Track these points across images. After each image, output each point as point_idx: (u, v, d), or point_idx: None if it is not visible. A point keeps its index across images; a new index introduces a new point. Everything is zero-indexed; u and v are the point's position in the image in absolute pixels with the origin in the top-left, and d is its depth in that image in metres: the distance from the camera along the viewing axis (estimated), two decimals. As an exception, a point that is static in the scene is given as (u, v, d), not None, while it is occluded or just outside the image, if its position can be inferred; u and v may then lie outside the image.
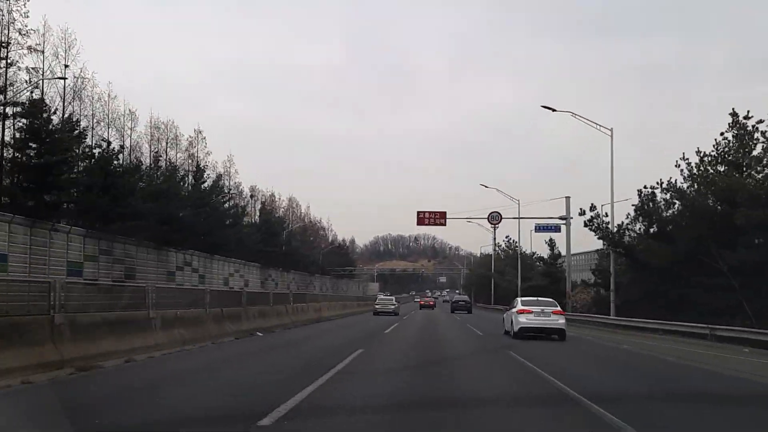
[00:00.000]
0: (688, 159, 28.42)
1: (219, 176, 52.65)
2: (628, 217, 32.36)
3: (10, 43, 28.63)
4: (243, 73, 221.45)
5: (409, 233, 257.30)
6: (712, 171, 27.73)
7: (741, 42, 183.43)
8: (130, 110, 44.00)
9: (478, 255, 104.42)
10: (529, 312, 20.60)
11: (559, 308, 21.27)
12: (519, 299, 23.11)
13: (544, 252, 56.31)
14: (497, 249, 70.64)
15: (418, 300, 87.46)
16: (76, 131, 33.44)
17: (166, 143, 49.48)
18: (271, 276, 70.16)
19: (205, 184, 51.82)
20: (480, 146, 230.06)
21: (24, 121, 29.33)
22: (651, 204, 30.76)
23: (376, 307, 41.20)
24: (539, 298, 22.66)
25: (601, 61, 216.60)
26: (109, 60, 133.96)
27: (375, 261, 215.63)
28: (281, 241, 73.32)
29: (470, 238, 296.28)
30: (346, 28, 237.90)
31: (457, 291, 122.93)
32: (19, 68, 29.45)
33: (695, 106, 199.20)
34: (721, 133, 27.38)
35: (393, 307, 41.18)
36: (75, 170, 32.31)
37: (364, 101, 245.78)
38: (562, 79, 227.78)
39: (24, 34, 29.27)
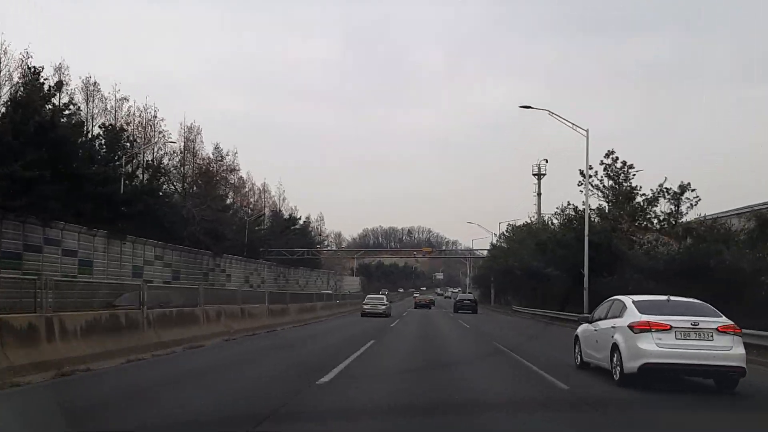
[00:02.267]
0: None
1: None
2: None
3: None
4: (236, 67, 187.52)
5: (402, 225, 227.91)
6: None
7: (744, 40, 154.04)
8: None
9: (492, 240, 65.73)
10: (664, 327, 9.63)
11: (726, 320, 9.88)
12: (629, 299, 10.76)
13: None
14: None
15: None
16: None
17: None
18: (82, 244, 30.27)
19: None
20: (477, 143, 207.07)
21: None
22: None
23: (364, 307, 36.80)
24: (673, 298, 10.67)
25: (604, 57, 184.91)
26: (100, 53, 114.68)
27: (363, 255, 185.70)
28: (110, 174, 33.74)
29: (472, 232, 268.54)
30: (344, 23, 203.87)
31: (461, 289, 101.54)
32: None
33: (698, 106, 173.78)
34: None
35: (383, 307, 36.62)
36: None
37: (359, 96, 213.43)
38: (561, 75, 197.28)
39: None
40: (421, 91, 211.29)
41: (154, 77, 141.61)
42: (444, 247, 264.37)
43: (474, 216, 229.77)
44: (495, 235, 64.22)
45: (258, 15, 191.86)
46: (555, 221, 43.20)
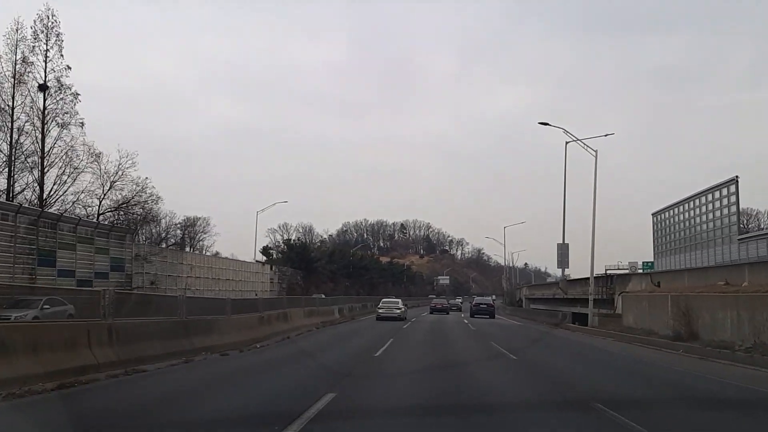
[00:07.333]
0: None
1: None
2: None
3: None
4: (237, 72, 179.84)
5: (394, 220, 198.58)
6: None
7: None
8: None
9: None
10: None
11: None
12: None
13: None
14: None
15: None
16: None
17: None
18: None
19: None
20: (485, 151, 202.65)
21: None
22: None
23: (380, 311, 40.54)
24: None
25: (618, 61, 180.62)
26: (96, 58, 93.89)
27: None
28: None
29: (481, 228, 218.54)
30: (348, 25, 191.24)
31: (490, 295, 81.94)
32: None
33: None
34: None
35: (399, 311, 40.01)
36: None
37: (363, 102, 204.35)
38: (575, 80, 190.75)
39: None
40: (425, 97, 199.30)
41: (149, 80, 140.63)
42: (447, 246, 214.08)
43: (480, 216, 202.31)
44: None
45: (260, 17, 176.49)
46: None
